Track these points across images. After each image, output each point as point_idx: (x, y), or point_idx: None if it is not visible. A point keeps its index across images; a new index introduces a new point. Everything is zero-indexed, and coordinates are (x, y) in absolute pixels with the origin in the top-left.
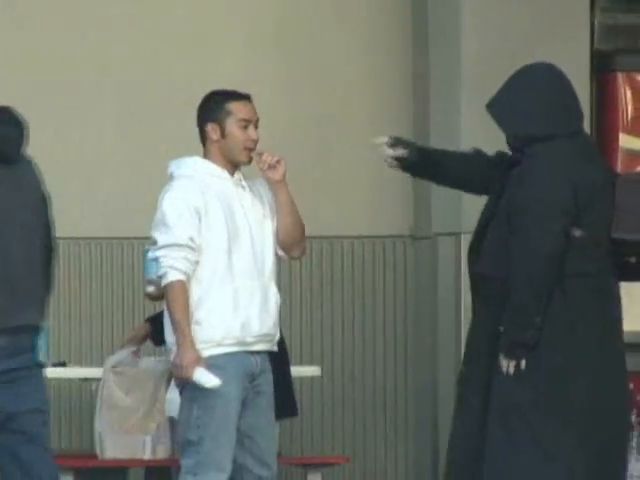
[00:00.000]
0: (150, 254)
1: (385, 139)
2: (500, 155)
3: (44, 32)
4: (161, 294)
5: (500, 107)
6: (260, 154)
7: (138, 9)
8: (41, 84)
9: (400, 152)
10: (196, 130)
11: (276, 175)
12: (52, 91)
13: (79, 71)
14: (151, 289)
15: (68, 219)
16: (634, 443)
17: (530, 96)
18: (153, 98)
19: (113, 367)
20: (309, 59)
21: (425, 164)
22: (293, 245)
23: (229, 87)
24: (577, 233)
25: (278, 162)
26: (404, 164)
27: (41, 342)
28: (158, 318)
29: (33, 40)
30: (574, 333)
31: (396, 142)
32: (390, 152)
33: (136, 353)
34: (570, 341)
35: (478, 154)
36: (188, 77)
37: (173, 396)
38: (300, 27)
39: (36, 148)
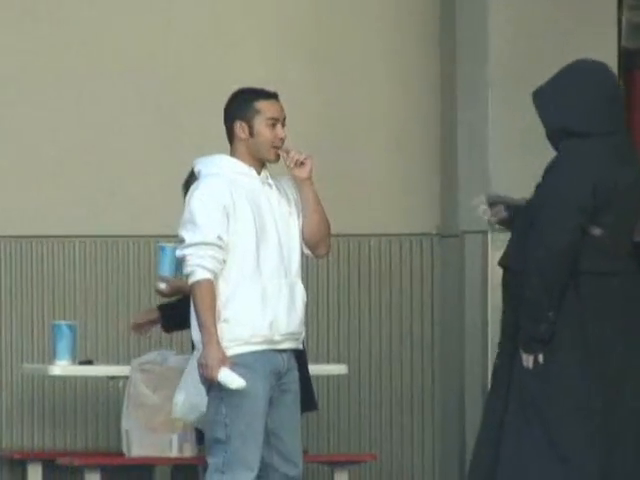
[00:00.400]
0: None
1: (482, 199)
2: None
3: (63, 29)
4: (172, 292)
5: (542, 98)
6: (287, 151)
7: (165, 6)
8: (63, 79)
9: (502, 215)
10: (221, 128)
11: (303, 173)
12: (72, 88)
13: (101, 68)
14: (163, 286)
15: (93, 218)
16: None
17: (571, 91)
18: (178, 96)
19: (140, 365)
20: (336, 59)
21: None
22: (319, 243)
23: (253, 85)
24: (596, 232)
25: (306, 160)
26: (508, 225)
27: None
28: (169, 305)
29: (54, 38)
30: (585, 330)
31: (492, 200)
32: (493, 219)
33: (143, 331)
34: (580, 338)
35: None
36: (213, 75)
37: (178, 399)
38: (327, 26)
39: (60, 147)
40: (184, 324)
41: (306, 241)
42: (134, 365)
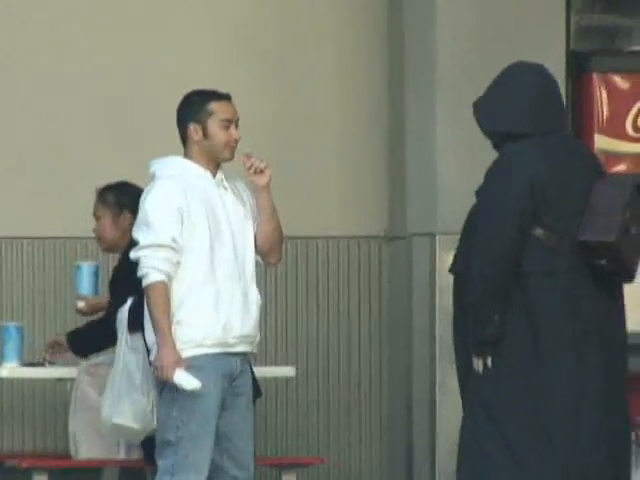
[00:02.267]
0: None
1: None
2: None
3: (12, 29)
4: (90, 310)
5: (478, 105)
6: (249, 157)
7: (117, 6)
8: (13, 77)
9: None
10: (172, 129)
11: (262, 180)
12: (21, 86)
13: (51, 66)
14: (81, 304)
15: (40, 219)
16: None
17: (503, 94)
18: (128, 97)
19: (88, 367)
20: (281, 59)
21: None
22: (270, 251)
23: (204, 86)
24: (537, 232)
25: (266, 168)
26: None
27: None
28: (76, 333)
29: (4, 36)
30: (534, 330)
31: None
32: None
33: (52, 354)
34: (530, 339)
35: None
36: (163, 76)
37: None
38: (272, 27)
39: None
40: (99, 347)
41: (258, 248)
42: (81, 368)
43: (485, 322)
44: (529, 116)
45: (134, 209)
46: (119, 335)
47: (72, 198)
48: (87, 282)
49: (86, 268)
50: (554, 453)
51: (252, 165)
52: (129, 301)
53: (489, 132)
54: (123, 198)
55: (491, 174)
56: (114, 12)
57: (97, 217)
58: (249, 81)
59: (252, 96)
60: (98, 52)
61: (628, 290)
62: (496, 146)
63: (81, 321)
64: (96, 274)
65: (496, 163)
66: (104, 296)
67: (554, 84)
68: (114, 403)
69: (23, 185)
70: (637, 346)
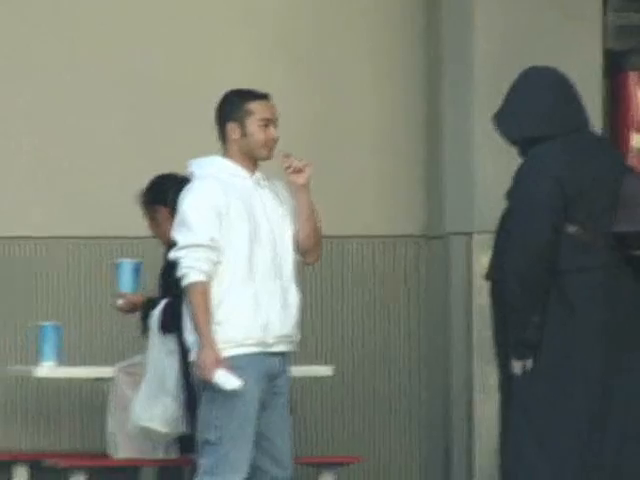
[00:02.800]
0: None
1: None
2: None
3: (38, 33)
4: (131, 308)
5: (498, 116)
6: (287, 156)
7: (148, 9)
8: (35, 81)
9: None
10: (202, 132)
11: (300, 179)
12: (44, 89)
13: (77, 70)
14: (120, 302)
15: (77, 219)
16: None
17: (522, 101)
18: (164, 100)
19: (124, 367)
20: (318, 62)
21: None
22: (309, 251)
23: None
24: (570, 229)
25: (305, 167)
26: None
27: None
28: (152, 303)
29: (30, 39)
30: (569, 329)
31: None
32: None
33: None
34: (564, 338)
35: None
36: (195, 78)
37: (135, 407)
38: (309, 30)
39: (38, 147)
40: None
41: (298, 247)
42: (118, 367)
43: (525, 324)
44: (549, 119)
45: (174, 200)
46: (150, 336)
47: (108, 199)
48: (127, 279)
49: (127, 265)
50: (588, 454)
51: (291, 165)
52: (162, 302)
53: (512, 140)
54: (159, 194)
55: (519, 176)
56: (149, 14)
57: (147, 218)
58: (286, 83)
59: (289, 97)
60: (134, 53)
61: None
62: (522, 153)
63: (119, 320)
64: (137, 271)
65: (523, 166)
66: (144, 294)
67: (569, 84)
68: (145, 406)
69: (61, 186)
70: None
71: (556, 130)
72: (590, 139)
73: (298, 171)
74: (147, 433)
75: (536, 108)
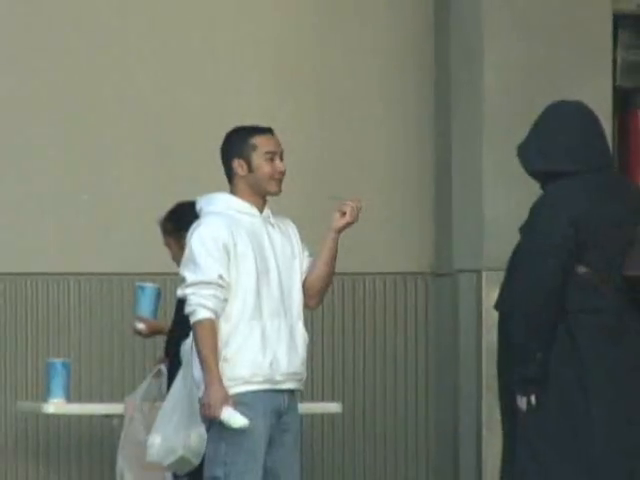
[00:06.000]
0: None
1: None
2: None
3: (58, 68)
4: (151, 332)
5: (522, 147)
6: (345, 204)
7: (162, 43)
8: (58, 116)
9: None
10: (216, 166)
11: (340, 222)
12: (67, 123)
13: (97, 105)
14: (141, 326)
15: (88, 256)
16: None
17: (547, 134)
18: (174, 135)
19: (138, 404)
20: (327, 93)
21: None
22: (315, 295)
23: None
24: (580, 270)
25: (351, 211)
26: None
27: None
28: (176, 330)
29: (51, 75)
30: (575, 369)
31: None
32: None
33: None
34: (573, 377)
35: None
36: (208, 113)
37: (154, 441)
38: (317, 62)
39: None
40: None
41: (304, 288)
42: (129, 404)
43: (527, 360)
44: (572, 155)
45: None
46: (183, 365)
47: (122, 235)
48: (148, 304)
49: (148, 290)
50: None
51: (351, 208)
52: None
53: (534, 173)
54: (179, 222)
55: (535, 212)
56: (159, 48)
57: (167, 246)
58: (295, 118)
59: (298, 131)
60: (144, 89)
61: None
62: (542, 186)
63: (134, 351)
64: (158, 296)
65: (540, 201)
66: (163, 321)
67: (596, 122)
68: (182, 436)
69: (74, 222)
70: None
71: (578, 167)
72: (610, 180)
73: (342, 214)
74: (179, 464)
75: (560, 143)
